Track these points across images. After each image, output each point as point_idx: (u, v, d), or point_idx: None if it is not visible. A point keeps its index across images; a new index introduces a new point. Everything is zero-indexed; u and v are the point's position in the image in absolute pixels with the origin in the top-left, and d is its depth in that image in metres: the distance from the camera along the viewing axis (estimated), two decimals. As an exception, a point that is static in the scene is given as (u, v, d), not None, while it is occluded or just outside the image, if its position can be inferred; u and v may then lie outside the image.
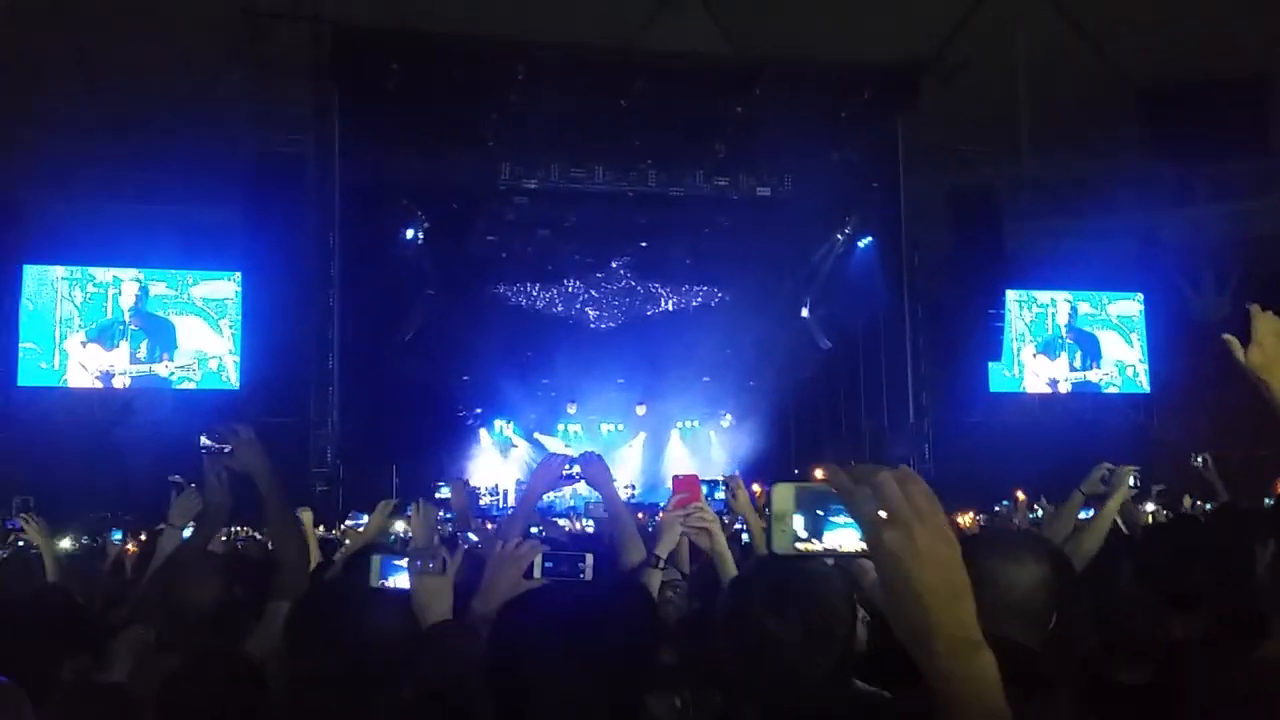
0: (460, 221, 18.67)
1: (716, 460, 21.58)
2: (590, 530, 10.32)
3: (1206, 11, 14.22)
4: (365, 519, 7.23)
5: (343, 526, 9.82)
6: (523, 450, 21.96)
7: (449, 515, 8.67)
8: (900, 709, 2.25)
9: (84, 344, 16.03)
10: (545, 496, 6.63)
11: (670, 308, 21.87)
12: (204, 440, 3.31)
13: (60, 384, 15.92)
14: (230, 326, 16.48)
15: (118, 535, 8.36)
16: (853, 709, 2.06)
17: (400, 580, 2.65)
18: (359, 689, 2.23)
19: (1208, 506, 7.46)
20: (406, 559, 2.65)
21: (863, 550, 1.23)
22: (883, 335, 18.78)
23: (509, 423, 21.96)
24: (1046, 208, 18.01)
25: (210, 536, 3.91)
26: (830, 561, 1.99)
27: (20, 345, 15.76)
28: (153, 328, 16.30)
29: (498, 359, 19.96)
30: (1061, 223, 18.15)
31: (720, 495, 4.64)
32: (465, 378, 20.96)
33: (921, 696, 1.20)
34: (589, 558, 2.33)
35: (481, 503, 17.89)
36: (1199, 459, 6.54)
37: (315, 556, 4.99)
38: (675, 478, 3.30)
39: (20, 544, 6.30)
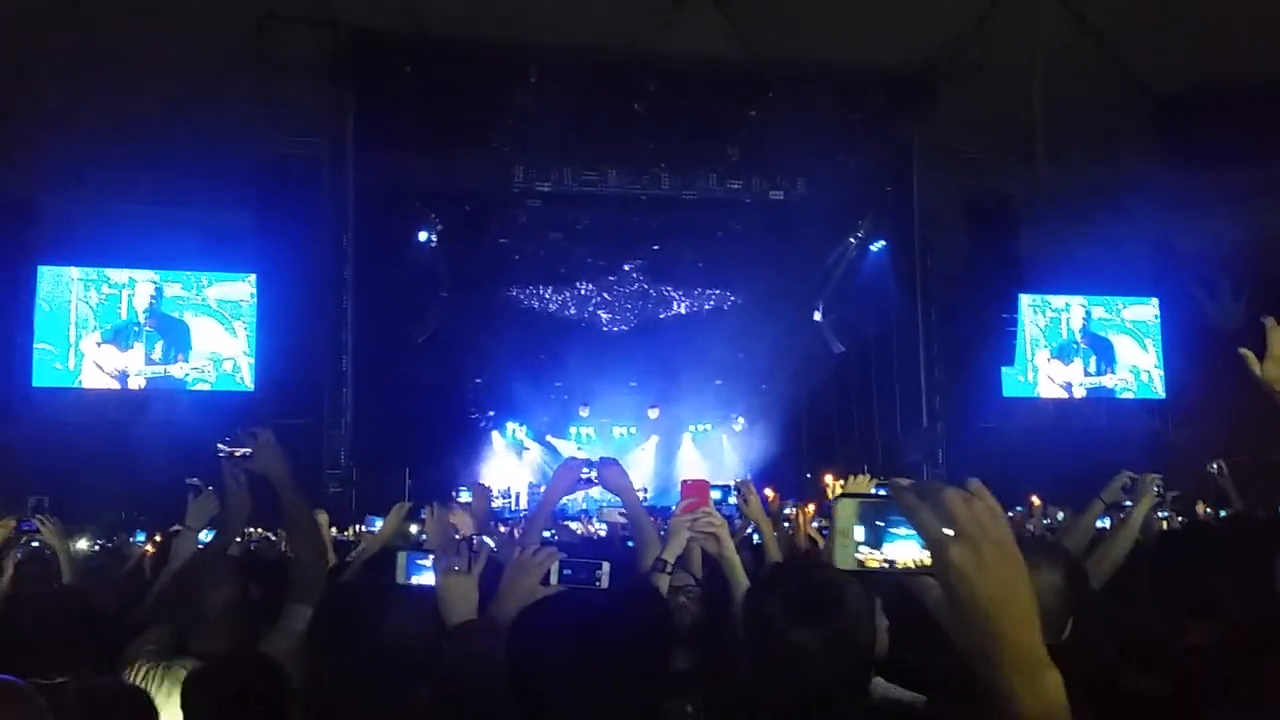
0: (473, 224, 18.71)
1: (729, 463, 21.57)
2: (603, 534, 10.31)
3: (1222, 16, 14.14)
4: (379, 523, 7.24)
5: (359, 529, 9.81)
6: (535, 453, 21.99)
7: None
8: (919, 714, 2.26)
9: (99, 345, 16.11)
10: (557, 500, 6.61)
11: (683, 311, 21.87)
12: (221, 447, 3.33)
13: (75, 385, 16.01)
14: (245, 328, 16.54)
15: (140, 537, 8.36)
16: (870, 716, 2.06)
17: (425, 578, 2.66)
18: (384, 688, 2.24)
19: (1221, 513, 7.43)
20: (432, 557, 2.67)
21: (925, 564, 1.23)
22: (895, 339, 18.75)
23: (521, 425, 21.99)
24: (1060, 212, 17.92)
25: (231, 540, 3.93)
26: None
27: (35, 346, 15.85)
28: (168, 329, 16.37)
29: (510, 361, 19.99)
30: (1076, 228, 18.06)
31: (733, 500, 4.64)
32: (478, 380, 21.00)
33: (940, 702, 1.20)
34: (605, 565, 2.34)
35: (493, 505, 17.91)
36: (1214, 465, 6.51)
37: (331, 559, 5.00)
38: (684, 483, 3.30)
39: (35, 545, 6.31)
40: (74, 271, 16.21)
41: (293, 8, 14.37)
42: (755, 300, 21.04)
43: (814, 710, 1.94)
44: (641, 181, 18.00)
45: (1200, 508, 8.36)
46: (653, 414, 22.31)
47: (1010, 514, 10.43)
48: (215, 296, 16.65)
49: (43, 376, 15.82)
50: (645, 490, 19.71)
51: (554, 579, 2.39)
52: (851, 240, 19.80)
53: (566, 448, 21.35)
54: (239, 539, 6.49)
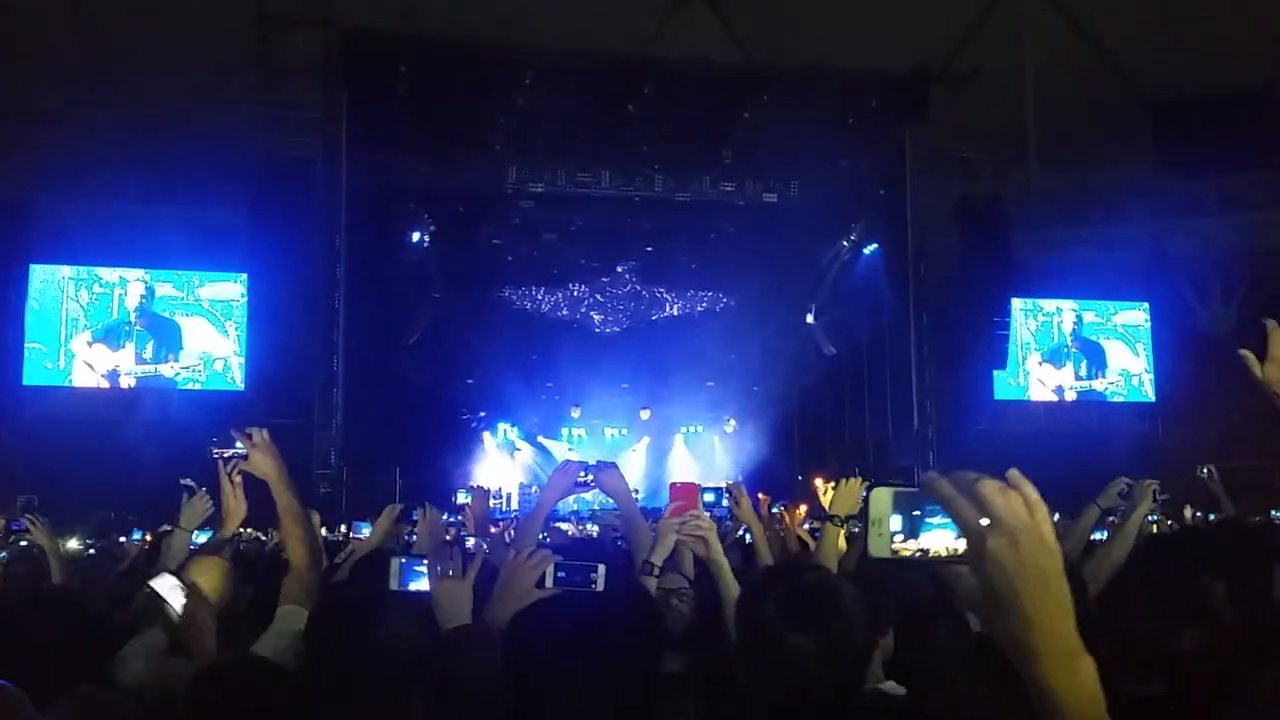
0: (466, 225, 18.70)
1: (720, 465, 21.55)
2: (595, 535, 10.30)
3: (1215, 23, 14.21)
4: (366, 530, 7.21)
5: (349, 534, 9.75)
6: (527, 454, 21.95)
7: (452, 519, 8.66)
8: (913, 709, 2.26)
9: (90, 344, 16.07)
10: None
11: (675, 313, 21.88)
12: (214, 451, 3.30)
13: (65, 384, 15.97)
14: (236, 328, 16.52)
15: (136, 535, 8.32)
16: (866, 717, 2.06)
17: (419, 584, 2.65)
18: (379, 691, 2.24)
19: (1210, 518, 7.43)
20: (426, 563, 2.66)
21: (958, 552, 1.23)
22: (888, 342, 18.77)
23: (513, 426, 21.95)
24: (1053, 217, 17.99)
25: (225, 542, 3.91)
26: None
27: (26, 345, 15.81)
28: (158, 328, 16.34)
29: (502, 362, 19.95)
30: (1068, 232, 18.14)
31: (725, 504, 4.63)
32: (470, 381, 20.98)
33: (935, 697, 1.20)
34: (601, 568, 2.34)
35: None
36: (1204, 470, 6.50)
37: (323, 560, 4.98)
38: (673, 485, 3.27)
39: (24, 544, 6.27)
40: (65, 270, 16.17)
41: (286, 8, 14.35)
42: (748, 302, 21.07)
43: (808, 713, 1.94)
44: (635, 183, 18.02)
45: (1188, 511, 8.36)
46: (644, 415, 22.29)
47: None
48: (206, 296, 16.62)
49: (33, 375, 15.79)
50: (637, 491, 19.64)
51: (549, 582, 2.39)
52: (844, 243, 19.84)
53: (558, 448, 21.33)
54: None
